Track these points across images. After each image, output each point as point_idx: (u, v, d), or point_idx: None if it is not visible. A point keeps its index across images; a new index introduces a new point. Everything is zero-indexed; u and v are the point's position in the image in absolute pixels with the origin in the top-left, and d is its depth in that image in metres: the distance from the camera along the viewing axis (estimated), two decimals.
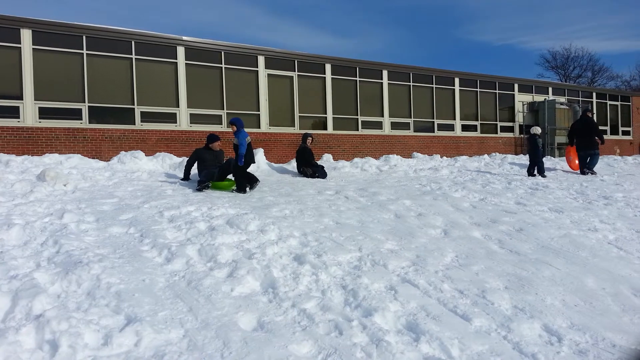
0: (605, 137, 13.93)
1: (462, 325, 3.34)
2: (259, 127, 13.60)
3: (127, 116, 11.74)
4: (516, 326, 3.33)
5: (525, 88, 20.25)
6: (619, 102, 23.35)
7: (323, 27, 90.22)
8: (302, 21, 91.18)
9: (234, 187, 8.21)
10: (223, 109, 12.99)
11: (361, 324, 3.27)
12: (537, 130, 12.27)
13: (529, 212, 6.99)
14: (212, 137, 9.18)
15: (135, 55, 11.84)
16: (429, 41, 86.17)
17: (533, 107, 20.15)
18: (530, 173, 11.85)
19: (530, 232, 5.86)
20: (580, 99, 21.91)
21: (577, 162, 13.21)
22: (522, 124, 19.89)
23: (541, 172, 11.83)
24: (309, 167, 10.93)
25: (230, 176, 8.86)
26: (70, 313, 3.13)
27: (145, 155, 10.86)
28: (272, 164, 12.27)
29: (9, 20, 10.49)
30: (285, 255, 4.63)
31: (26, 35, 10.65)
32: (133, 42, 11.82)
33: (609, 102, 22.86)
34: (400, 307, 3.59)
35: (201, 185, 8.05)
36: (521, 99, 19.99)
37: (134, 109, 11.80)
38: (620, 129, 23.03)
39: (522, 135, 19.80)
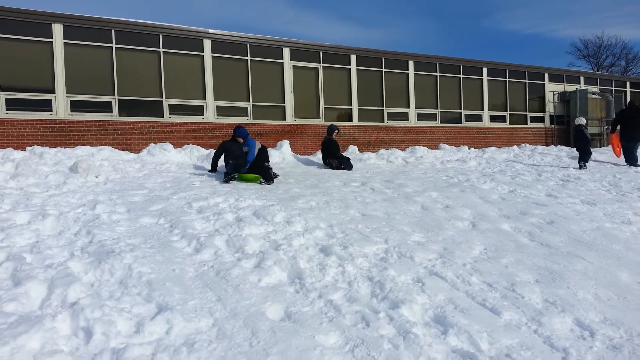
0: None
1: (492, 319, 3.29)
2: (285, 119, 13.64)
3: (155, 109, 11.94)
4: (547, 320, 3.27)
5: (556, 77, 19.75)
6: None
7: (347, 19, 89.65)
8: (326, 13, 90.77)
9: (261, 179, 8.20)
10: (249, 101, 13.07)
11: (388, 315, 3.27)
12: (581, 121, 11.99)
13: (560, 204, 6.83)
14: (237, 130, 9.22)
15: (163, 48, 12.00)
16: (455, 31, 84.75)
17: (564, 97, 19.66)
18: (585, 161, 11.53)
19: (562, 224, 5.73)
20: (613, 88, 21.26)
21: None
22: (552, 114, 19.43)
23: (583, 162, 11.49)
24: (335, 159, 10.92)
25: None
26: (103, 301, 3.22)
27: (174, 147, 11.03)
28: (298, 155, 12.31)
29: (41, 15, 10.74)
30: (312, 246, 4.65)
31: (57, 30, 10.89)
32: (160, 36, 11.98)
33: None
34: (427, 299, 3.57)
35: (228, 177, 8.11)
36: (552, 89, 19.52)
37: (162, 101, 11.98)
38: None
39: (552, 126, 19.36)
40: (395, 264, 4.26)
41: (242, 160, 8.74)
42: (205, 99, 12.50)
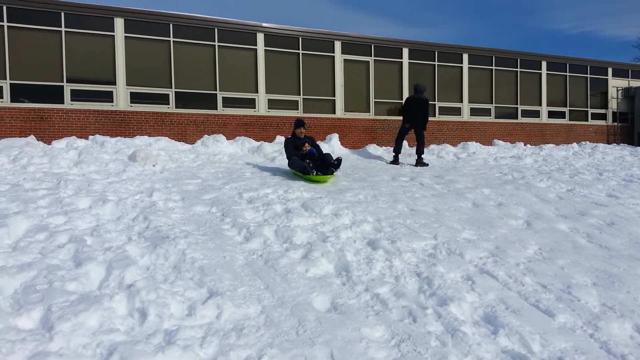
0: None
1: (545, 321, 3.18)
2: (334, 113, 13.65)
3: (210, 101, 12.25)
4: (604, 325, 3.12)
5: (620, 72, 18.70)
6: None
7: (395, 18, 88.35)
8: (374, 12, 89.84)
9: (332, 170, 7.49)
10: (299, 95, 13.17)
11: (436, 312, 3.22)
12: None
13: (621, 205, 6.50)
14: (298, 122, 8.42)
15: (218, 42, 12.27)
16: (501, 30, 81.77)
17: (629, 93, 18.59)
18: None
19: (623, 226, 5.44)
20: None
21: None
22: (615, 111, 18.44)
23: None
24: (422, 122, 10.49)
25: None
26: (158, 284, 3.35)
27: (226, 139, 11.28)
28: (347, 149, 12.29)
29: (104, 10, 11.23)
30: (359, 239, 4.64)
31: (119, 23, 11.36)
32: (216, 30, 12.25)
33: None
34: (477, 298, 3.49)
35: (308, 168, 7.30)
36: (615, 84, 18.50)
37: (216, 94, 12.27)
38: None
39: (615, 124, 18.38)
40: (444, 260, 4.19)
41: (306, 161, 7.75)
42: (257, 92, 12.69)
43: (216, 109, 12.28)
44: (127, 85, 11.43)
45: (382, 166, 10.10)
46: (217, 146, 10.68)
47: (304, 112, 13.19)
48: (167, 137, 11.17)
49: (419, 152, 10.51)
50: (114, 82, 11.34)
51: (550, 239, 4.95)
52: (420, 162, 10.36)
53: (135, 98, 11.53)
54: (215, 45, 12.26)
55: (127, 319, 2.98)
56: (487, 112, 16.01)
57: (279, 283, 3.59)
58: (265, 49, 12.79)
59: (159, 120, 11.69)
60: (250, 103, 12.66)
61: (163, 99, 11.80)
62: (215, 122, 12.21)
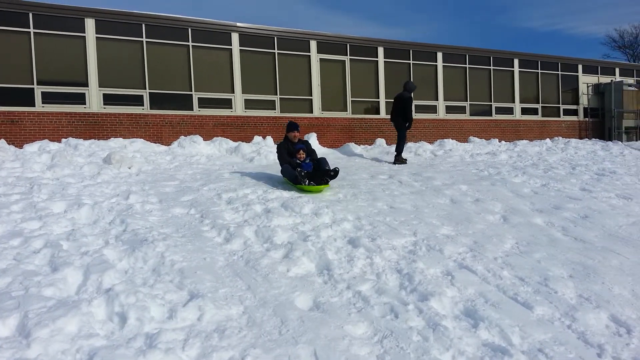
0: None
1: (524, 313, 3.24)
2: (312, 112, 13.65)
3: (185, 102, 12.10)
4: (581, 315, 3.20)
5: (590, 69, 19.16)
6: None
7: (370, 18, 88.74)
8: (348, 12, 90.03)
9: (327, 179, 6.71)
10: (276, 94, 13.12)
11: (417, 308, 3.25)
12: None
13: (595, 198, 6.66)
14: (291, 125, 7.58)
15: (192, 42, 12.14)
16: (475, 28, 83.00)
17: (599, 89, 19.06)
18: None
19: (597, 219, 5.58)
20: None
21: None
22: (586, 106, 18.88)
23: None
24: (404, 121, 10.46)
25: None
26: (137, 288, 3.30)
27: (203, 140, 11.16)
28: (325, 148, 12.30)
29: (74, 10, 10.99)
30: (340, 238, 4.65)
31: (90, 24, 11.13)
32: (190, 30, 12.11)
33: None
34: (457, 292, 3.54)
35: (301, 177, 6.57)
36: (586, 81, 18.95)
37: (191, 95, 12.13)
38: None
39: (586, 119, 18.83)
40: (424, 256, 4.24)
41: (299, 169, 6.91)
42: (233, 92, 12.60)
43: (192, 110, 12.15)
44: (99, 86, 11.21)
45: (360, 164, 10.14)
46: (194, 147, 10.57)
47: (281, 111, 13.15)
48: (142, 139, 10.99)
49: (396, 150, 10.59)
50: (86, 84, 11.12)
51: (526, 233, 5.04)
52: (397, 160, 10.43)
53: (108, 100, 11.32)
54: (189, 45, 12.13)
55: (107, 324, 2.92)
56: (462, 109, 16.22)
57: (260, 283, 3.57)
58: (240, 49, 12.70)
59: (134, 121, 11.50)
60: (227, 103, 12.57)
61: (137, 100, 11.61)
62: (191, 123, 12.07)
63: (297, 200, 5.73)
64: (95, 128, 11.12)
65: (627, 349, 2.83)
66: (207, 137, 11.74)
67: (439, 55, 15.76)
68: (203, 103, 12.27)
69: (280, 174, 7.36)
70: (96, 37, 11.18)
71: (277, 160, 7.56)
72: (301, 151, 7.22)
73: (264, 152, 10.22)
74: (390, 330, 2.96)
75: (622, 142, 17.15)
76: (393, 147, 12.74)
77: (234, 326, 2.94)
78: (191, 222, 5.09)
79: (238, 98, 12.63)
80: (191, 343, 2.72)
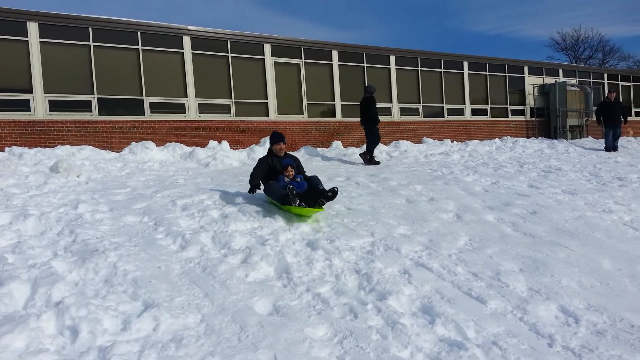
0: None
1: (478, 308, 3.33)
2: (268, 116, 13.59)
3: (136, 107, 11.79)
4: (532, 308, 3.32)
5: (535, 70, 19.99)
6: (632, 83, 22.99)
7: (323, 22, 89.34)
8: (300, 16, 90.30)
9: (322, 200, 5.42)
10: (231, 98, 12.98)
11: (376, 307, 3.29)
12: None
13: (542, 194, 6.94)
14: (275, 136, 6.24)
15: (141, 46, 11.85)
16: (425, 32, 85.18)
17: (544, 90, 19.91)
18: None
19: (544, 214, 5.82)
20: (591, 80, 21.60)
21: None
22: (532, 106, 19.67)
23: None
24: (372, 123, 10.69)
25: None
26: (88, 300, 3.17)
27: (156, 145, 10.90)
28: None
29: (15, 13, 10.52)
30: (298, 241, 4.65)
31: (33, 28, 10.67)
32: (139, 33, 11.82)
33: (620, 83, 22.52)
34: (414, 290, 3.60)
35: (291, 196, 5.22)
36: (531, 82, 19.74)
37: (142, 99, 11.83)
38: (634, 110, 22.68)
39: (533, 119, 19.60)
40: (382, 256, 4.29)
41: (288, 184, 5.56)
42: (186, 97, 12.38)
43: (143, 115, 11.84)
44: (45, 92, 10.76)
45: (318, 167, 10.17)
46: (147, 153, 10.31)
47: (236, 115, 13.02)
48: (91, 146, 10.62)
49: (367, 149, 10.79)
50: (30, 90, 10.64)
51: (478, 230, 5.19)
52: (369, 160, 10.63)
53: (54, 106, 10.88)
54: (139, 49, 11.82)
55: (57, 338, 2.80)
56: (415, 111, 16.56)
57: (218, 290, 3.52)
58: (192, 52, 12.49)
59: (82, 128, 11.09)
60: (180, 108, 12.32)
61: (85, 106, 11.21)
62: (143, 129, 11.77)
63: (255, 205, 5.68)
64: (41, 136, 10.66)
65: (575, 337, 2.95)
66: (160, 142, 11.47)
67: (392, 58, 16.04)
68: (155, 108, 11.99)
69: (242, 191, 6.34)
70: (40, 41, 10.73)
71: (239, 167, 7.06)
72: (289, 167, 5.86)
73: (220, 156, 10.09)
74: (350, 330, 2.98)
75: (566, 140, 17.97)
76: (349, 150, 12.86)
77: (191, 335, 2.87)
78: (144, 230, 4.95)
79: (191, 102, 12.42)
80: (147, 354, 2.64)
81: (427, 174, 8.90)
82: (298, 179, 5.81)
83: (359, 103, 11.21)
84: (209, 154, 10.45)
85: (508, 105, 19.05)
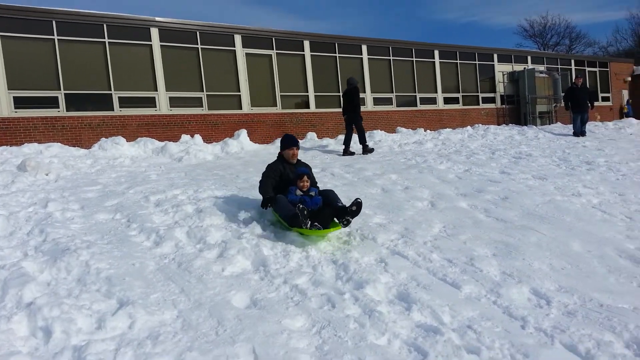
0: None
1: (453, 293, 3.39)
2: (241, 108, 13.47)
3: (105, 102, 11.52)
4: (505, 291, 3.39)
5: (504, 58, 20.30)
6: (597, 69, 23.59)
7: (293, 11, 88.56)
8: (271, 7, 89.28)
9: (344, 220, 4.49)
10: (203, 91, 12.81)
11: (353, 296, 3.31)
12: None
13: (513, 180, 7.07)
14: (288, 140, 5.40)
15: (108, 39, 11.56)
16: (396, 21, 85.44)
17: (513, 77, 20.24)
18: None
19: (515, 199, 5.93)
20: (559, 66, 22.06)
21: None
22: (503, 94, 19.99)
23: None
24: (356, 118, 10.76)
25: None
26: (61, 299, 3.11)
27: (127, 141, 10.69)
28: (257, 144, 12.18)
29: None
30: (275, 233, 4.64)
31: None
32: (105, 25, 11.53)
33: (587, 69, 23.08)
34: (390, 278, 3.63)
35: (302, 216, 4.30)
36: (501, 69, 20.05)
37: (111, 94, 11.58)
38: (600, 95, 23.28)
39: (503, 106, 19.93)
40: (359, 246, 4.32)
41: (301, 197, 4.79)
42: (156, 90, 12.16)
43: (113, 110, 11.59)
44: (8, 89, 10.41)
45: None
46: (117, 149, 10.11)
47: (209, 109, 12.87)
48: (59, 143, 10.34)
49: (360, 142, 10.87)
50: None
51: (452, 217, 5.27)
52: (365, 150, 10.80)
53: (19, 103, 10.55)
54: (105, 42, 11.54)
55: (30, 340, 2.74)
56: (388, 101, 16.64)
57: (194, 285, 3.48)
58: (161, 45, 12.25)
59: (49, 125, 10.80)
60: (150, 102, 12.10)
61: (52, 102, 10.90)
62: (113, 124, 11.52)
63: (231, 199, 5.64)
64: (7, 134, 10.33)
65: (547, 319, 3.03)
66: (131, 138, 11.26)
67: (364, 48, 16.06)
68: (124, 102, 11.74)
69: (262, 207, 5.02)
70: (1, 35, 10.37)
71: (213, 161, 6.74)
72: (305, 177, 4.90)
73: (193, 151, 9.96)
74: (328, 320, 2.99)
75: (536, 126, 18.32)
76: (324, 141, 12.87)
77: (168, 331, 2.85)
78: (117, 227, 4.87)
79: (162, 96, 12.21)
80: (123, 352, 2.60)
81: (401, 163, 8.98)
82: (312, 193, 4.84)
83: (333, 94, 11.21)
84: (181, 148, 10.31)
85: (479, 93, 19.32)
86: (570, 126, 14.86)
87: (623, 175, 7.30)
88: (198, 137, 11.57)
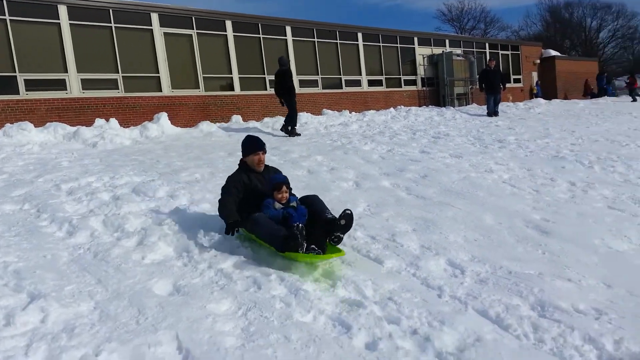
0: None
1: (375, 268, 3.50)
2: (161, 91, 12.94)
3: (9, 85, 10.62)
4: (424, 263, 3.54)
5: (424, 41, 20.95)
6: (510, 52, 24.99)
7: None
8: None
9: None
10: (118, 72, 12.14)
11: (279, 277, 3.31)
12: None
13: (432, 159, 7.38)
14: (251, 142, 4.33)
15: (9, 16, 10.62)
16: (321, 3, 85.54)
17: (433, 60, 20.97)
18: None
19: (434, 177, 6.20)
20: (474, 50, 23.12)
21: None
22: (423, 76, 20.67)
23: None
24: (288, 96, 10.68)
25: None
26: None
27: (35, 126, 9.94)
28: (179, 128, 11.75)
29: None
30: (199, 219, 4.53)
31: None
32: (5, 2, 10.56)
33: (500, 52, 24.38)
34: None
35: (294, 239, 3.37)
36: (421, 52, 20.69)
37: (16, 76, 10.69)
38: (512, 77, 24.71)
39: (424, 88, 20.62)
40: None
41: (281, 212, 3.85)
42: (66, 72, 11.37)
43: (18, 94, 10.71)
44: None
45: (217, 143, 9.94)
46: (24, 135, 9.38)
47: (125, 91, 12.23)
48: None
49: (288, 123, 10.85)
50: None
51: (376, 196, 5.42)
52: (290, 132, 10.75)
53: None
54: (6, 19, 10.58)
55: None
56: (314, 83, 16.68)
57: (112, 275, 3.34)
58: (70, 23, 11.43)
59: None
60: (60, 84, 11.30)
61: None
62: (18, 109, 10.66)
63: (150, 184, 5.44)
64: None
65: (461, 287, 3.21)
66: (40, 123, 10.46)
67: (288, 29, 15.93)
68: (31, 85, 10.88)
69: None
70: None
71: (131, 146, 6.52)
72: (284, 187, 3.91)
73: (109, 136, 9.47)
74: (254, 302, 2.98)
75: (454, 107, 19.20)
76: (250, 124, 12.70)
77: (84, 323, 2.71)
78: (26, 218, 4.54)
79: (73, 78, 11.44)
80: (35, 347, 2.45)
81: (327, 144, 9.07)
82: (294, 204, 3.90)
83: (258, 76, 11.07)
84: (95, 133, 9.75)
85: (401, 76, 19.85)
86: (485, 107, 15.70)
87: (531, 152, 7.84)
88: (114, 121, 10.95)
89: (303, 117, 13.76)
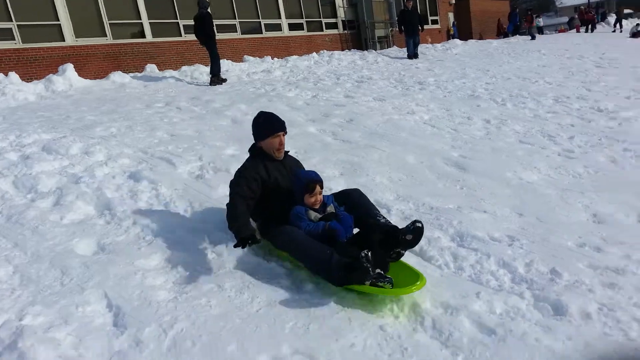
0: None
1: None
2: (64, 40, 11.87)
3: None
4: None
5: None
6: None
7: None
8: None
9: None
10: (12, 21, 10.95)
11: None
12: None
13: (356, 103, 7.45)
14: (269, 121, 3.28)
15: None
16: None
17: (352, 2, 20.73)
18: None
19: (359, 121, 6.29)
20: None
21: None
22: (344, 19, 20.46)
23: None
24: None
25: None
26: None
27: None
28: (88, 80, 10.94)
29: None
30: (119, 174, 4.33)
31: None
32: None
33: None
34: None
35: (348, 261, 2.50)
36: None
37: None
38: (430, 18, 25.08)
39: (346, 31, 20.47)
40: (212, 179, 4.27)
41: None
42: None
43: None
44: None
45: (133, 94, 9.38)
46: None
47: (23, 42, 11.10)
48: None
49: (211, 72, 10.43)
50: None
51: (303, 142, 5.43)
52: (213, 81, 10.30)
53: None
54: None
55: None
56: (232, 28, 16.01)
57: (30, 237, 3.15)
58: None
59: None
60: None
61: None
62: None
63: (62, 141, 5.08)
64: None
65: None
66: None
67: None
68: None
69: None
70: None
71: (37, 102, 6.00)
72: (318, 188, 2.95)
73: (10, 91, 8.64)
74: (185, 254, 2.95)
75: (375, 50, 19.27)
76: (167, 72, 12.07)
77: (4, 288, 2.57)
78: None
79: None
80: None
81: (250, 92, 8.87)
82: (330, 207, 2.98)
83: (171, 21, 10.43)
84: None
85: (322, 19, 19.52)
86: (405, 49, 15.92)
87: (449, 92, 8.13)
88: (14, 75, 9.94)
89: (224, 65, 13.24)
